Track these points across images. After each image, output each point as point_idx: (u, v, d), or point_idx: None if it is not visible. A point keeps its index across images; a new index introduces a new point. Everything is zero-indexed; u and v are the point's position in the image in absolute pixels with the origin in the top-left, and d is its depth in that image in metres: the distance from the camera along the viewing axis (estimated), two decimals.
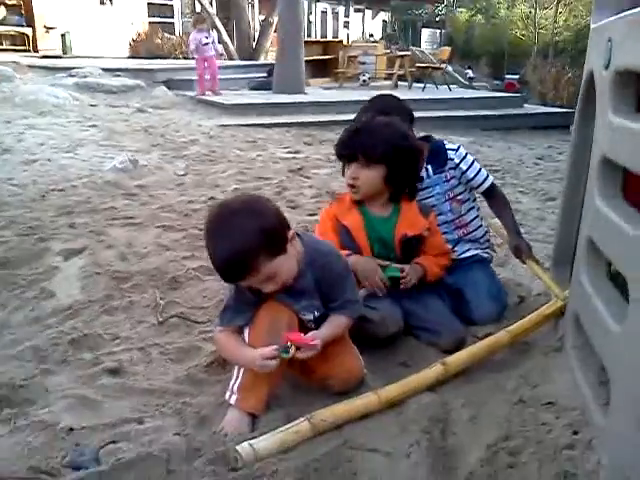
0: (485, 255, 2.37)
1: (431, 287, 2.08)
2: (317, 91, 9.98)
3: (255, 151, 5.82)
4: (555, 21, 25.68)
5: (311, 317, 1.69)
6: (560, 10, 26.31)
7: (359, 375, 1.74)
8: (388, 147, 1.92)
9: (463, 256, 2.31)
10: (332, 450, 1.47)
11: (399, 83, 11.06)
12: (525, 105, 9.56)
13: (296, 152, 5.87)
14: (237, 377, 1.64)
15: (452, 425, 1.60)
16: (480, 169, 2.33)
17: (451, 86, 10.63)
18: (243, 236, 1.46)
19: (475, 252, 2.34)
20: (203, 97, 8.71)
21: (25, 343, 1.96)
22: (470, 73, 19.28)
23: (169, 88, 9.46)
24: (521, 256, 2.29)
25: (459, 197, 2.34)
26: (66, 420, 1.55)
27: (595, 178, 1.65)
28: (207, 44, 8.99)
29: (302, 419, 1.53)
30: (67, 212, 3.44)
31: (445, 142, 2.39)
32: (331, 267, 1.68)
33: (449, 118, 8.14)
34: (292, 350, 1.55)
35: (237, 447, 1.43)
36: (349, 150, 2.00)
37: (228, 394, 1.64)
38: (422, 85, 10.57)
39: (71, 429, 1.52)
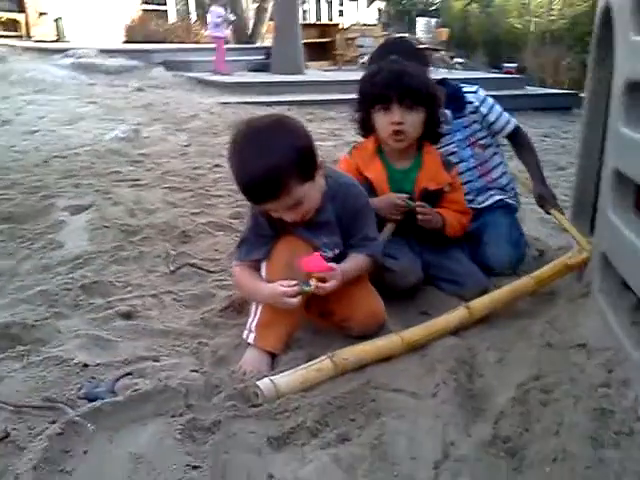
0: (510, 202, 2.29)
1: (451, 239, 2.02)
2: (316, 72, 9.90)
3: None
4: (550, 9, 25.62)
5: (331, 254, 1.62)
6: None
7: (380, 318, 1.69)
8: (429, 89, 1.87)
9: (487, 203, 2.24)
10: (355, 389, 1.42)
11: None
12: (527, 87, 9.50)
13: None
14: (255, 315, 1.59)
15: (479, 367, 1.55)
16: (502, 112, 2.26)
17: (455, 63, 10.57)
18: (279, 153, 1.39)
19: (500, 197, 2.27)
20: (203, 77, 8.61)
21: (35, 288, 1.90)
22: (458, 59, 19.15)
23: (167, 69, 9.36)
24: (545, 205, 2.20)
25: (481, 142, 2.26)
26: (80, 357, 1.50)
27: (619, 105, 1.59)
28: (218, 25, 8.95)
29: (324, 357, 1.48)
30: (71, 175, 3.38)
31: (462, 85, 2.31)
32: (353, 201, 1.63)
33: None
34: (313, 283, 1.49)
35: (258, 382, 1.38)
36: (396, 91, 1.82)
37: (246, 333, 1.59)
38: None
39: (85, 365, 1.47)
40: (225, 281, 2.01)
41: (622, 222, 1.53)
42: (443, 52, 11.03)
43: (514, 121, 2.29)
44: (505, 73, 20.85)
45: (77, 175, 3.38)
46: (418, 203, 1.88)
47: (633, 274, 1.49)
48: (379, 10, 30.62)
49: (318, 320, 1.71)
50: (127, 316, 1.77)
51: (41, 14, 15.80)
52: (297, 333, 1.65)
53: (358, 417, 1.35)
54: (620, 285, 1.58)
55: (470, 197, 2.19)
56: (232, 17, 9.49)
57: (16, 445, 1.17)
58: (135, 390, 1.32)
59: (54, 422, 1.23)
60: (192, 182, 3.34)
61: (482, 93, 2.27)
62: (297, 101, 7.34)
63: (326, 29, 12.29)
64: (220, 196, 3.03)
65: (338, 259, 1.63)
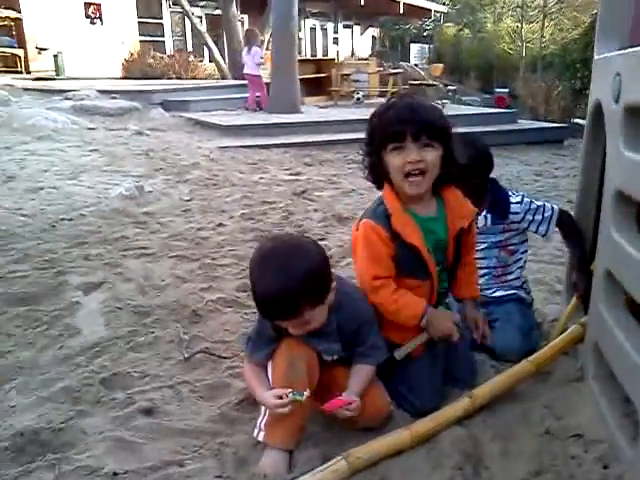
0: (523, 295, 2.34)
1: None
2: (313, 110, 10.07)
3: (257, 174, 5.87)
4: (542, 35, 26.06)
5: (329, 359, 1.75)
6: (546, 24, 26.71)
7: (385, 413, 1.79)
8: (444, 122, 1.72)
9: (498, 294, 2.31)
10: None
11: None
12: (519, 120, 9.69)
13: (297, 174, 5.94)
14: (264, 414, 1.68)
15: (484, 460, 1.64)
16: (544, 215, 2.22)
17: (444, 102, 10.76)
18: (295, 280, 1.49)
19: (513, 291, 2.32)
20: (201, 119, 8.76)
21: (58, 384, 1.99)
22: (450, 87, 19.43)
23: (165, 110, 9.52)
24: (575, 292, 2.22)
25: (511, 247, 2.31)
26: (109, 464, 1.59)
27: (610, 212, 1.71)
28: (259, 65, 9.57)
29: (339, 458, 1.58)
30: (80, 242, 3.47)
31: (510, 193, 2.28)
32: (358, 314, 1.73)
33: None
34: (307, 393, 1.59)
35: None
36: (411, 126, 1.66)
37: (256, 431, 1.68)
38: None
39: (115, 474, 1.55)
40: (237, 368, 2.10)
41: (613, 320, 1.64)
42: (437, 86, 11.21)
43: (557, 212, 2.23)
44: (497, 99, 21.15)
45: (86, 242, 3.47)
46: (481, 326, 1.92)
47: (619, 368, 1.60)
48: (373, 37, 31.11)
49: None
50: (148, 412, 1.85)
51: (40, 50, 16.06)
52: (310, 427, 1.74)
53: None
54: (613, 374, 1.68)
55: (482, 288, 2.23)
56: None
57: None
58: None
59: None
60: (197, 247, 3.44)
61: (527, 200, 2.23)
62: (294, 143, 7.48)
63: (322, 64, 12.51)
64: (226, 265, 3.13)
65: (338, 360, 1.75)
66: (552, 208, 2.24)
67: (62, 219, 4.00)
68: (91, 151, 6.66)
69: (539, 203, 2.24)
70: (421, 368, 1.88)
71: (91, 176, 5.42)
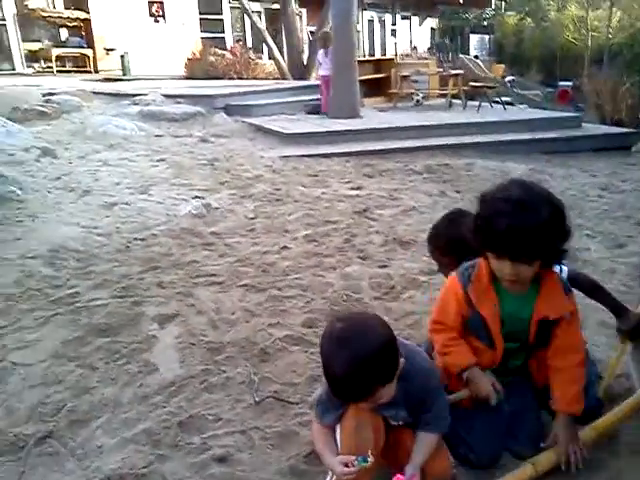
0: None
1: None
2: (372, 113, 10.08)
3: (319, 187, 5.97)
4: (609, 23, 25.06)
5: (396, 424, 1.83)
6: (614, 11, 25.65)
7: (449, 473, 1.87)
8: (549, 244, 1.74)
9: None
10: None
11: (452, 101, 11.07)
12: (583, 124, 9.43)
13: (358, 188, 6.00)
14: (331, 475, 1.77)
15: None
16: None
17: (506, 105, 10.59)
18: (365, 367, 1.56)
19: None
20: (262, 125, 8.92)
21: (139, 425, 2.15)
22: (510, 77, 18.51)
23: (228, 114, 9.73)
24: (621, 337, 2.26)
25: None
26: None
27: None
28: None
29: None
30: (153, 267, 3.66)
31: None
32: (424, 383, 1.79)
33: (508, 142, 8.13)
34: (371, 459, 1.66)
35: None
36: (514, 252, 1.71)
37: None
38: (477, 104, 10.54)
39: None
40: (305, 416, 2.21)
41: None
42: (497, 87, 11.03)
43: (565, 272, 2.19)
44: (560, 93, 20.51)
45: (159, 267, 3.66)
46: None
47: None
48: (432, 29, 30.71)
49: (393, 466, 1.87)
50: (221, 460, 1.98)
51: (108, 50, 16.66)
52: None
53: None
54: None
55: None
56: None
57: None
58: None
59: None
60: (264, 275, 3.57)
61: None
62: (354, 152, 7.54)
63: (381, 64, 12.49)
64: (292, 297, 3.24)
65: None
66: (561, 268, 2.18)
67: (135, 239, 4.22)
68: (159, 161, 6.91)
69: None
70: (480, 420, 1.96)
71: (160, 190, 5.65)
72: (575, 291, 2.25)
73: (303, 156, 7.35)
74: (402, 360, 1.68)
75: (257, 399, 2.32)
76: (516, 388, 2.03)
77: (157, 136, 8.35)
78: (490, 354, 1.95)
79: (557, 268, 2.21)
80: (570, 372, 1.93)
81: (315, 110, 10.28)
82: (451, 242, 2.20)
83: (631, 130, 9.16)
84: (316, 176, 6.49)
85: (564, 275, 2.20)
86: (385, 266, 3.83)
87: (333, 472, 1.73)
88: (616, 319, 2.29)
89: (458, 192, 5.94)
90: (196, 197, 5.30)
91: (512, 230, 1.67)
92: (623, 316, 2.26)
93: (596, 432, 1.97)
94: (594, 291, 2.33)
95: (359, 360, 1.56)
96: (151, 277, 3.50)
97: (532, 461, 1.87)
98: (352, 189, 5.95)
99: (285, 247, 4.13)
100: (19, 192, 5.02)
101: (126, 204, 5.08)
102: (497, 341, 1.91)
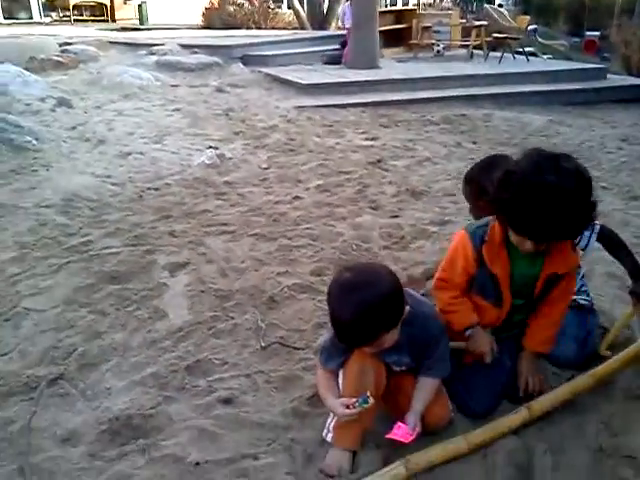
0: (582, 302, 2.34)
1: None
2: (391, 64, 9.88)
3: (333, 138, 5.92)
4: None
5: (398, 369, 1.86)
6: None
7: (448, 418, 1.91)
8: (575, 232, 1.77)
9: None
10: None
11: (474, 52, 10.79)
12: (608, 76, 9.15)
13: (373, 138, 5.93)
14: (332, 417, 1.82)
15: (535, 473, 1.73)
16: (582, 236, 2.14)
17: (529, 57, 10.29)
18: (370, 313, 1.59)
19: (574, 297, 2.30)
20: (279, 75, 8.80)
21: (147, 369, 2.21)
22: (532, 26, 17.53)
23: (245, 64, 9.61)
24: (636, 302, 2.21)
25: None
26: (192, 453, 1.79)
27: None
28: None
29: (398, 463, 1.70)
30: (165, 216, 3.69)
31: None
32: (427, 330, 1.81)
33: (527, 94, 7.95)
34: (371, 400, 1.70)
35: None
36: (540, 239, 1.70)
37: (325, 432, 1.84)
38: (499, 55, 10.26)
39: (197, 463, 1.75)
40: (309, 361, 2.25)
41: None
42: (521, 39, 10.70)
43: (597, 230, 2.18)
44: (586, 43, 19.78)
45: (171, 216, 3.69)
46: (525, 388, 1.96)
47: None
48: None
49: (393, 412, 1.91)
50: (227, 402, 2.04)
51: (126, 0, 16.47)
52: (375, 426, 1.86)
53: None
54: None
55: None
56: None
57: None
58: None
59: None
60: (275, 225, 3.58)
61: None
62: (371, 102, 7.43)
63: (402, 15, 12.15)
64: (301, 247, 3.26)
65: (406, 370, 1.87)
66: (594, 225, 2.19)
67: (149, 188, 4.25)
68: (174, 110, 6.89)
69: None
70: (479, 373, 1.98)
71: (175, 139, 5.65)
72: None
73: (319, 106, 7.27)
74: (407, 308, 1.69)
75: (263, 344, 2.36)
76: (518, 342, 2.05)
77: (173, 86, 8.30)
78: (495, 312, 1.96)
79: (585, 238, 2.19)
80: (552, 318, 1.99)
81: (333, 60, 10.10)
82: (483, 188, 2.14)
83: None
84: (331, 126, 6.43)
85: (596, 231, 2.19)
86: (396, 216, 3.82)
87: (334, 413, 1.77)
88: (632, 282, 2.25)
89: (474, 143, 5.85)
90: (210, 147, 5.28)
91: (542, 222, 1.62)
92: (638, 280, 2.21)
93: (594, 379, 1.98)
94: (619, 251, 2.27)
95: (365, 306, 1.58)
96: (163, 226, 3.54)
97: (527, 405, 1.89)
98: (367, 140, 5.89)
99: (297, 197, 4.12)
100: (35, 142, 5.05)
101: (140, 154, 5.09)
102: (506, 299, 1.92)
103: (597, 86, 8.38)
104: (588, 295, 2.39)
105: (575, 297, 2.30)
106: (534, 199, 1.59)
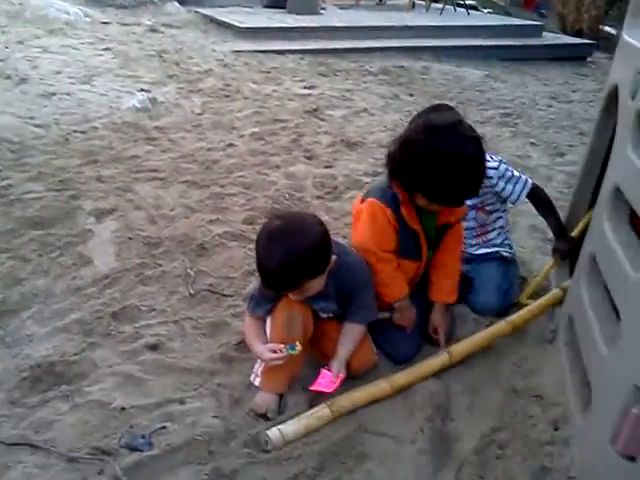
0: (505, 254, 2.43)
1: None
2: (332, 11, 9.67)
3: (270, 85, 5.80)
4: None
5: (325, 316, 1.90)
6: None
7: (372, 363, 1.97)
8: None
9: (480, 252, 2.41)
10: (348, 434, 1.72)
11: (415, 2, 10.71)
12: (544, 33, 9.29)
13: (311, 87, 5.86)
14: (260, 362, 1.85)
15: (452, 412, 1.83)
16: (517, 182, 2.30)
17: (470, 10, 10.30)
18: (295, 259, 1.62)
19: (495, 249, 2.42)
20: (216, 16, 8.48)
21: (71, 315, 2.17)
22: None
23: (180, 3, 9.19)
24: (555, 256, 2.38)
25: (487, 208, 2.39)
26: (117, 399, 1.79)
27: (606, 202, 1.77)
28: None
29: (323, 405, 1.76)
30: (92, 160, 3.56)
31: (488, 157, 2.18)
32: (354, 278, 1.85)
33: (466, 48, 7.99)
34: (299, 347, 1.75)
35: (268, 432, 1.67)
36: (455, 204, 1.93)
37: (253, 376, 1.87)
38: (440, 7, 10.22)
39: (123, 408, 1.75)
40: (238, 307, 2.27)
41: (592, 309, 1.72)
42: None
43: (529, 186, 2.31)
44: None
45: (98, 160, 3.56)
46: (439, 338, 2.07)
47: (586, 350, 1.73)
48: None
49: (319, 357, 1.96)
50: (153, 348, 2.03)
51: None
52: (302, 370, 1.91)
53: (349, 461, 1.65)
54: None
55: (464, 246, 2.33)
56: None
57: None
58: (169, 444, 1.61)
59: (102, 472, 1.53)
60: (207, 172, 3.52)
61: (503, 167, 2.28)
62: (310, 50, 7.30)
63: None
64: (234, 195, 3.23)
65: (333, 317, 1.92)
66: (526, 181, 2.32)
67: (75, 131, 4.08)
68: (104, 50, 6.56)
69: (516, 173, 2.32)
70: (397, 329, 2.06)
71: (104, 80, 5.41)
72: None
73: (256, 51, 7.08)
74: (334, 257, 1.72)
75: (192, 291, 2.35)
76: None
77: (103, 23, 7.89)
78: (415, 267, 2.06)
79: (522, 180, 2.33)
80: (450, 267, 2.11)
81: (274, 4, 9.78)
82: None
83: (589, 41, 9.08)
84: (268, 73, 6.29)
85: (527, 187, 2.31)
86: (330, 166, 3.82)
87: (261, 359, 1.80)
88: (555, 239, 2.40)
89: (412, 95, 5.87)
90: (142, 90, 5.08)
91: (467, 190, 1.83)
92: (561, 238, 2.37)
93: (511, 325, 2.09)
94: (545, 209, 2.41)
95: (290, 253, 1.61)
96: (90, 171, 3.42)
97: (447, 350, 1.99)
98: (304, 88, 5.81)
99: (231, 144, 4.06)
100: None
101: (66, 94, 4.85)
102: (424, 251, 2.02)
103: (533, 43, 8.51)
104: (511, 248, 2.49)
105: (499, 249, 2.41)
106: (457, 175, 1.75)
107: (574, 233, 2.33)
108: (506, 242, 2.47)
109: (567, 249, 2.32)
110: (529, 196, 2.34)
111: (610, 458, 1.39)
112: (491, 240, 2.44)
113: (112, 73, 5.69)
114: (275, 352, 1.74)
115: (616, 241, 1.62)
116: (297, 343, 1.76)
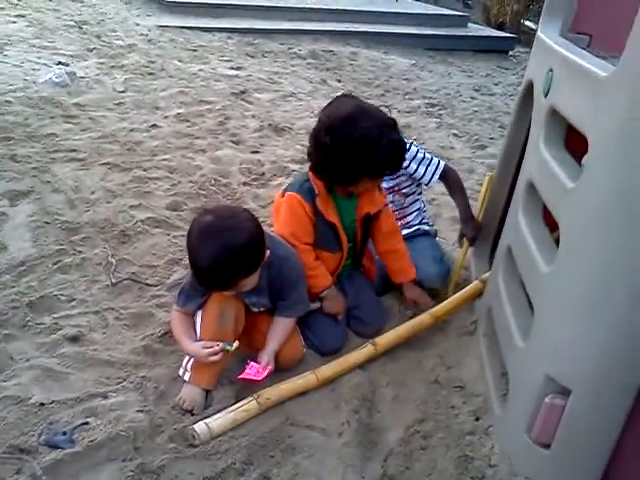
0: (426, 228, 2.54)
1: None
2: None
3: (196, 63, 5.66)
4: None
5: (256, 310, 1.90)
6: None
7: (300, 356, 1.99)
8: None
9: (403, 233, 2.43)
10: (276, 427, 1.74)
11: None
12: (469, 24, 9.53)
13: (238, 68, 5.76)
14: (188, 359, 1.83)
15: (378, 404, 1.88)
16: (429, 164, 2.37)
17: None
18: (230, 258, 1.60)
19: (415, 228, 2.52)
20: None
21: None
22: None
23: None
24: (461, 243, 2.48)
25: (403, 190, 2.47)
26: (36, 394, 1.71)
27: (521, 196, 1.85)
28: None
29: (250, 398, 1.76)
30: (5, 137, 3.37)
31: None
32: (286, 271, 1.85)
33: (395, 35, 8.07)
34: (235, 344, 1.76)
35: (194, 426, 1.65)
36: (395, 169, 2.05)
37: (182, 371, 1.84)
38: None
39: (42, 404, 1.68)
40: (162, 298, 2.22)
41: (526, 226, 1.76)
42: None
43: (441, 167, 2.38)
44: None
45: (12, 137, 3.37)
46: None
47: (503, 341, 1.81)
48: None
49: (247, 350, 1.96)
50: (74, 340, 1.96)
51: None
52: (227, 364, 1.90)
53: (277, 454, 1.67)
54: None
55: None
56: None
57: None
58: (91, 440, 1.56)
59: (19, 471, 1.47)
60: (129, 154, 3.41)
61: (414, 149, 2.36)
62: (238, 29, 7.17)
63: None
64: (157, 179, 3.14)
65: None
66: (438, 163, 2.41)
67: None
68: (17, 17, 6.20)
69: (428, 155, 2.41)
70: (323, 316, 2.09)
71: (17, 51, 5.11)
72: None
73: (183, 28, 6.89)
74: (268, 252, 1.71)
75: (114, 280, 2.28)
76: (356, 281, 2.24)
77: None
78: (336, 258, 2.12)
79: (434, 162, 2.41)
80: (397, 251, 2.20)
81: None
82: None
83: (511, 35, 9.39)
84: (195, 51, 6.14)
85: (440, 168, 2.39)
86: (257, 152, 3.79)
87: (196, 357, 1.77)
88: (461, 224, 2.48)
89: (339, 81, 5.89)
90: (59, 63, 4.84)
91: (399, 150, 1.93)
92: (467, 223, 2.45)
93: (433, 317, 2.16)
94: (456, 191, 2.48)
95: (223, 252, 1.59)
96: (3, 149, 3.23)
97: (373, 342, 2.03)
98: (232, 69, 5.71)
99: (155, 125, 3.94)
100: None
101: None
102: (343, 243, 2.08)
103: (458, 34, 8.69)
104: (430, 225, 2.58)
105: (419, 227, 2.49)
106: (391, 147, 1.87)
107: (478, 213, 2.45)
108: (424, 221, 2.57)
109: (474, 234, 2.41)
110: (442, 177, 2.43)
111: (526, 446, 1.48)
112: (410, 222, 2.53)
113: (26, 43, 5.38)
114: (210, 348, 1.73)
115: (530, 235, 1.69)
116: (235, 341, 1.77)
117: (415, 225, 2.53)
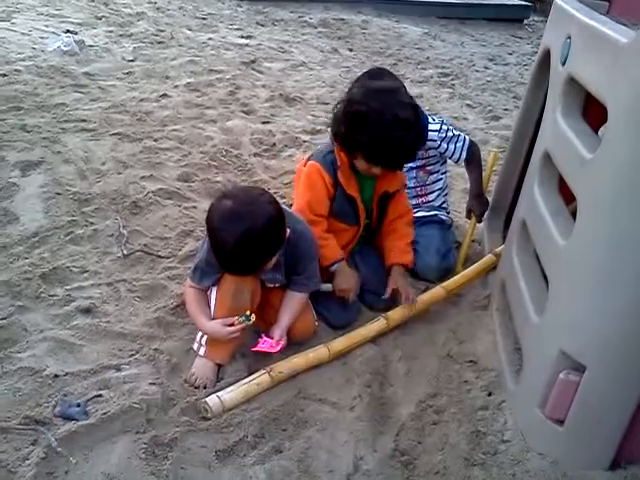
0: (443, 217, 2.49)
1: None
2: None
3: (206, 32, 5.59)
4: None
5: (272, 286, 1.89)
6: None
7: (312, 330, 1.99)
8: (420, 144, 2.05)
9: (419, 214, 2.43)
10: (288, 401, 1.74)
11: None
12: None
13: (248, 36, 5.68)
14: (201, 335, 1.83)
15: (390, 378, 1.88)
16: (457, 142, 2.34)
17: None
18: (255, 246, 1.59)
19: (433, 212, 2.48)
20: None
21: None
22: None
23: None
24: (469, 216, 2.46)
25: (428, 168, 2.44)
26: (50, 366, 1.71)
27: (536, 167, 1.82)
28: None
29: (262, 372, 1.76)
30: (16, 107, 3.35)
31: (430, 120, 2.36)
32: (302, 245, 1.84)
33: (405, 3, 7.90)
34: (253, 317, 1.76)
35: (207, 399, 1.66)
36: (388, 165, 1.95)
37: (196, 345, 1.83)
38: None
39: (56, 375, 1.69)
40: (174, 270, 2.22)
41: (542, 198, 1.73)
42: None
43: (467, 142, 2.37)
44: None
45: (22, 107, 3.34)
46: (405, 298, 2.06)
47: (517, 318, 1.80)
48: None
49: (262, 325, 1.95)
50: (87, 311, 1.96)
51: None
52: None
53: (289, 427, 1.67)
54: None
55: None
56: None
57: (8, 469, 1.40)
58: (105, 413, 1.56)
59: (35, 442, 1.48)
60: (140, 124, 3.38)
61: (445, 128, 2.33)
62: None
63: None
64: (168, 150, 3.12)
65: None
66: (464, 139, 2.39)
67: None
68: None
69: (456, 132, 2.38)
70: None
71: (26, 19, 5.07)
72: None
73: None
74: (288, 231, 1.70)
75: (125, 252, 2.28)
76: (368, 255, 2.23)
77: None
78: (353, 231, 2.11)
79: (461, 138, 2.38)
80: (400, 230, 2.15)
81: None
82: None
83: (526, 3, 9.17)
84: (204, 19, 6.06)
85: (466, 144, 2.36)
86: (268, 122, 3.75)
87: (216, 335, 1.76)
88: (470, 198, 2.45)
89: (351, 50, 5.80)
90: (68, 31, 4.78)
91: (404, 152, 1.89)
92: (476, 199, 2.42)
93: (445, 290, 2.15)
94: (474, 165, 2.45)
95: (249, 238, 1.57)
96: (13, 118, 3.21)
97: (385, 315, 2.02)
98: (242, 37, 5.63)
99: (165, 95, 3.90)
100: None
101: None
102: (361, 217, 2.08)
103: (472, 2, 8.49)
104: (449, 213, 2.54)
105: (437, 213, 2.46)
106: (393, 136, 1.81)
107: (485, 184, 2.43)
108: (444, 205, 2.53)
109: (481, 210, 2.40)
110: (467, 151, 2.40)
111: (540, 422, 1.47)
112: (430, 202, 2.50)
113: (34, 11, 5.34)
114: (231, 325, 1.73)
115: (545, 208, 1.66)
116: (252, 314, 1.76)
117: (434, 209, 2.49)
